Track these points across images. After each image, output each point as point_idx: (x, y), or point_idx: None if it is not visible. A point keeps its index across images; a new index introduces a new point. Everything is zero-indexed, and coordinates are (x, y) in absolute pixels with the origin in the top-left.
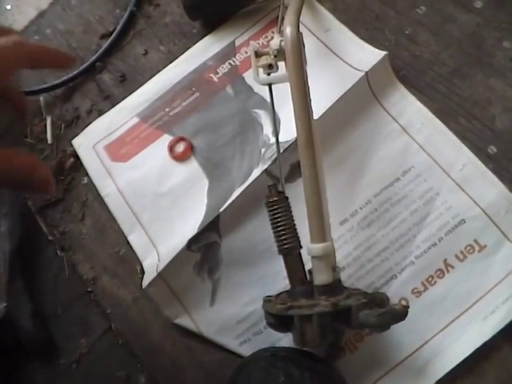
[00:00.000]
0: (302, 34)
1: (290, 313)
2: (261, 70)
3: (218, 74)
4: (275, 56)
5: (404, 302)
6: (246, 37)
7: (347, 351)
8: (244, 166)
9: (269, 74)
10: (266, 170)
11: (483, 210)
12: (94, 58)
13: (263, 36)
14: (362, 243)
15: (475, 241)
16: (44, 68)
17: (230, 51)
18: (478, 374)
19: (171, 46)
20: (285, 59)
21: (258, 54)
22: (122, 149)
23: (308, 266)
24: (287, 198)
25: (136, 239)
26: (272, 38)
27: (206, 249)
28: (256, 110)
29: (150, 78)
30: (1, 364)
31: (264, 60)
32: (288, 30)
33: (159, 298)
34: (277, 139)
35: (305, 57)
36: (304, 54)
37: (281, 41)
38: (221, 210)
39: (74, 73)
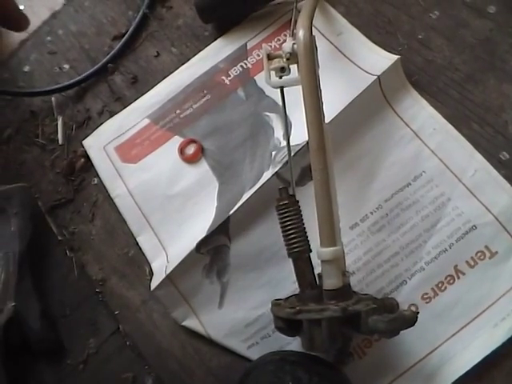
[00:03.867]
0: (314, 37)
1: (299, 317)
2: (273, 72)
3: (229, 76)
4: (288, 59)
5: (414, 308)
6: (258, 40)
7: (356, 356)
8: (254, 169)
9: (281, 77)
10: (276, 173)
11: (495, 217)
12: (106, 59)
13: (275, 39)
14: (372, 248)
15: (486, 247)
16: None
17: (241, 54)
18: (487, 381)
19: (183, 49)
20: (297, 62)
21: (270, 57)
22: (132, 150)
23: (317, 270)
24: (298, 201)
25: (145, 241)
26: (284, 41)
27: (215, 251)
28: (267, 113)
29: (162, 80)
30: (8, 364)
31: (276, 63)
32: (301, 33)
33: (167, 301)
34: (288, 142)
35: (317, 60)
36: (317, 58)
37: (293, 44)
38: (231, 212)
39: (86, 74)
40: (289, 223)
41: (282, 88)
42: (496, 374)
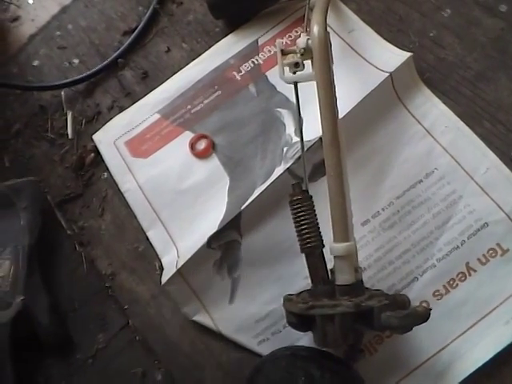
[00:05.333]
0: (329, 33)
1: (312, 312)
2: (286, 68)
3: (240, 72)
4: (302, 54)
5: (425, 305)
6: (270, 36)
7: (367, 353)
8: (266, 165)
9: (295, 73)
10: (288, 168)
11: (507, 214)
12: (115, 54)
13: (287, 35)
14: (383, 245)
15: (498, 245)
16: None
17: (253, 50)
18: (498, 378)
19: (194, 44)
20: (311, 58)
21: (284, 52)
22: (142, 145)
23: (330, 265)
24: (311, 196)
25: (155, 235)
26: (296, 37)
27: (226, 247)
28: (279, 109)
29: (172, 76)
30: (16, 358)
31: (290, 58)
32: (316, 28)
33: (178, 295)
34: (301, 137)
35: (332, 56)
36: (331, 53)
37: (308, 39)
38: (242, 208)
39: (96, 69)
40: (302, 218)
41: (295, 83)
42: (506, 372)
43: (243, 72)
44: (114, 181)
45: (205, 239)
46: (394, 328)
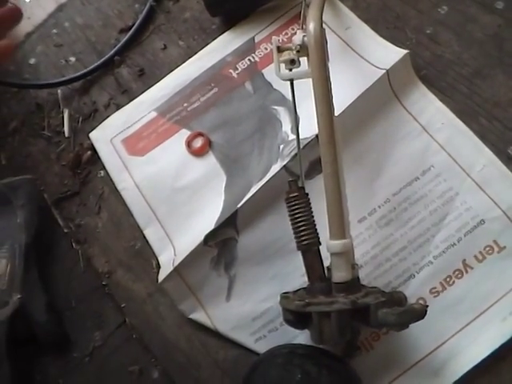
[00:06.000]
0: (324, 30)
1: (309, 309)
2: (282, 65)
3: (237, 69)
4: (298, 51)
5: (422, 302)
6: (266, 33)
7: (363, 350)
8: (262, 162)
9: (291, 70)
10: (284, 166)
11: (503, 211)
12: (112, 52)
13: (283, 33)
14: (379, 242)
15: (495, 242)
16: None
17: (249, 47)
18: (495, 374)
19: (190, 42)
20: (307, 55)
21: (280, 50)
22: (139, 143)
23: (326, 263)
24: (307, 194)
25: (152, 233)
26: (292, 35)
27: (222, 244)
28: (275, 107)
29: (169, 73)
30: (13, 356)
31: (286, 55)
32: (311, 25)
33: (174, 293)
34: (297, 135)
35: (327, 53)
36: (327, 50)
37: (304, 36)
38: (238, 205)
39: (93, 66)
40: (299, 216)
41: (291, 81)
42: (504, 367)
43: (240, 69)
44: (111, 179)
45: (201, 237)
46: (391, 325)
